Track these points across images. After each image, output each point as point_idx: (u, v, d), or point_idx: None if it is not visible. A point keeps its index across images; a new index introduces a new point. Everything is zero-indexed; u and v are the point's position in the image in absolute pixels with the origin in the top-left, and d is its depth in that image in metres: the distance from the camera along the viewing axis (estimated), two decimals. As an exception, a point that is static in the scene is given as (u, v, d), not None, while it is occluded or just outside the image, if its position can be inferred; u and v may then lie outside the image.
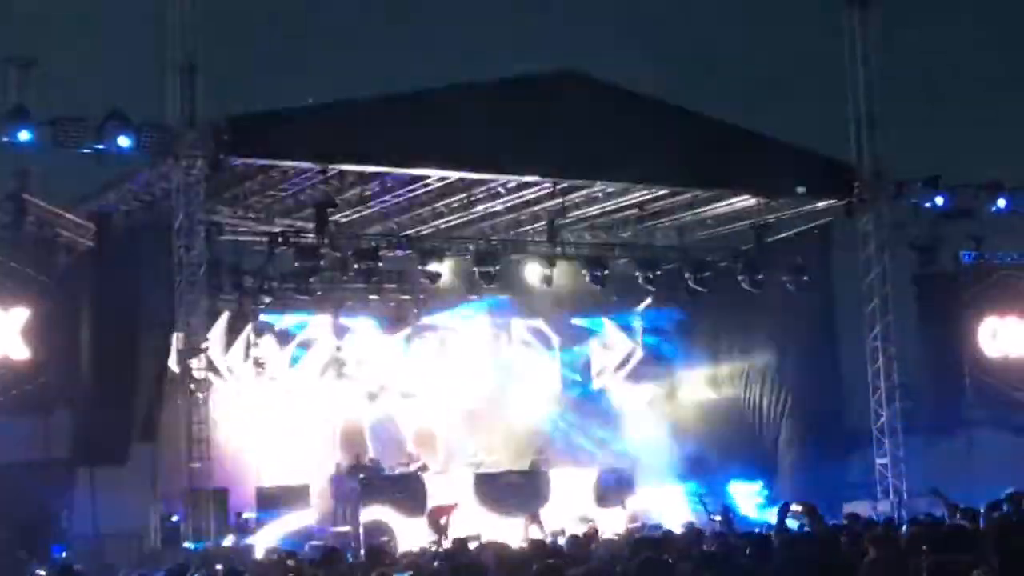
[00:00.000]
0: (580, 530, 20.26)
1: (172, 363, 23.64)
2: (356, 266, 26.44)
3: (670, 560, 9.79)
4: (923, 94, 34.61)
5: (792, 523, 15.76)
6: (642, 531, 22.06)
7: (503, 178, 26.24)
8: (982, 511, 14.35)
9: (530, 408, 30.72)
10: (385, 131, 23.60)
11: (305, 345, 29.06)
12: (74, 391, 23.30)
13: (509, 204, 27.82)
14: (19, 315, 23.15)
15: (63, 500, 23.40)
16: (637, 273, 28.53)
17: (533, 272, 28.03)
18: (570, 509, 26.27)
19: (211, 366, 24.33)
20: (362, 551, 21.19)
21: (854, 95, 27.62)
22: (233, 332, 27.69)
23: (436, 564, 13.43)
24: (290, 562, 14.98)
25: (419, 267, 26.94)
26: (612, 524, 24.65)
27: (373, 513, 25.20)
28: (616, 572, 9.80)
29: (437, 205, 27.61)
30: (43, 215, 23.63)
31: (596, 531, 19.69)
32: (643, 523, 25.36)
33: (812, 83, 32.08)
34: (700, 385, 31.33)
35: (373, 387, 29.41)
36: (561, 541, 16.89)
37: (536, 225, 28.65)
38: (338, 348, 29.27)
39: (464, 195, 27.09)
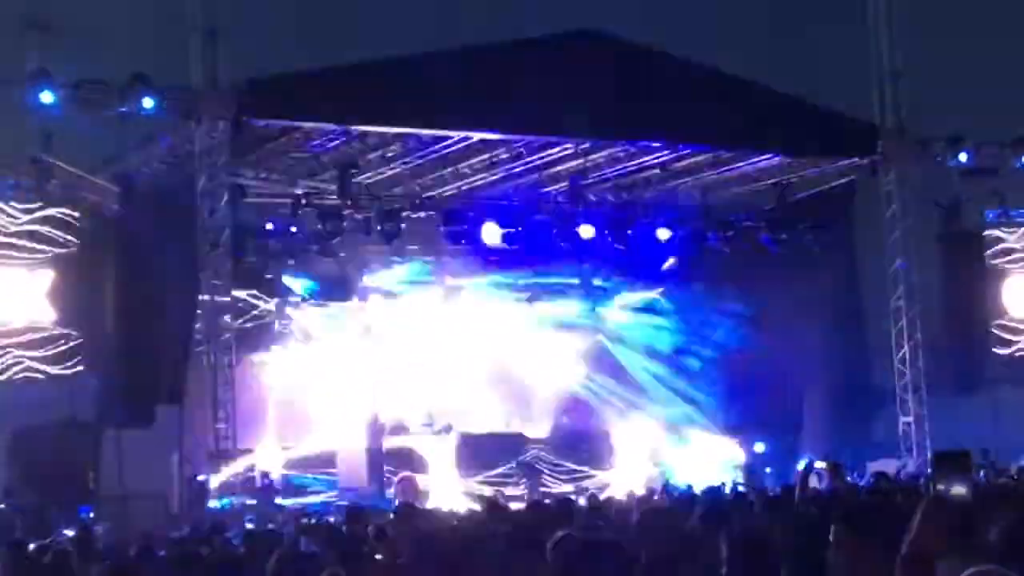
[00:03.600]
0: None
1: (197, 325, 23.72)
2: (379, 228, 26.46)
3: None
4: (947, 51, 34.35)
5: (815, 481, 15.75)
6: (660, 493, 22.09)
7: (525, 139, 26.20)
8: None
9: (556, 369, 30.74)
10: (407, 92, 23.58)
11: (331, 307, 29.13)
12: (99, 353, 23.42)
13: (531, 165, 27.78)
14: (44, 277, 23.25)
15: (89, 461, 23.55)
16: (660, 233, 28.51)
17: (556, 232, 27.99)
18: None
19: (237, 328, 24.44)
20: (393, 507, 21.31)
21: (878, 52, 27.49)
22: (258, 294, 27.80)
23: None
24: (304, 520, 15.08)
25: (442, 228, 26.96)
26: (631, 483, 24.74)
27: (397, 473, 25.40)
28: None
29: (459, 166, 27.58)
30: (67, 178, 23.69)
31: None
32: (663, 484, 25.41)
33: (836, 40, 31.85)
34: (724, 344, 31.29)
35: (399, 348, 29.45)
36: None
37: (558, 185, 28.60)
38: (363, 310, 29.34)
39: (486, 156, 27.06)
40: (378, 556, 10.36)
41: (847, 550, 5.54)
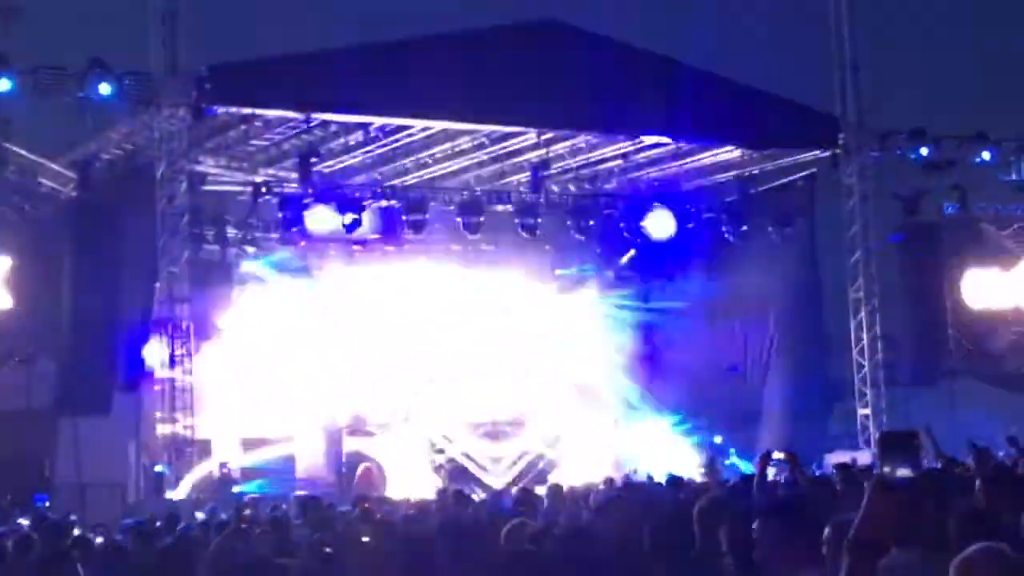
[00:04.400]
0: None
1: (155, 312, 23.57)
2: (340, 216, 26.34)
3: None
4: (909, 44, 34.53)
5: (772, 471, 15.75)
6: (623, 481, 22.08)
7: (487, 128, 26.16)
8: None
9: (518, 359, 30.70)
10: (369, 80, 23.50)
11: (290, 296, 28.98)
12: (57, 340, 23.28)
13: (493, 154, 27.74)
14: (1, 264, 23.07)
15: (46, 450, 23.40)
16: (622, 224, 28.53)
17: (518, 223, 27.97)
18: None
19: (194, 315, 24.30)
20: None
21: (839, 45, 27.58)
22: (217, 281, 27.64)
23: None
24: (247, 511, 15.01)
25: (403, 218, 26.88)
26: (597, 473, 24.72)
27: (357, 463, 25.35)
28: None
29: (421, 155, 27.50)
30: (24, 164, 23.51)
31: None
32: (627, 473, 25.41)
33: (797, 33, 31.96)
34: (684, 335, 31.31)
35: (357, 336, 29.36)
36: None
37: (520, 176, 28.57)
38: (323, 300, 29.21)
39: (448, 145, 26.99)
40: (365, 539, 10.35)
41: (772, 545, 5.56)
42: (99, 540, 12.47)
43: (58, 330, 23.31)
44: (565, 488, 16.48)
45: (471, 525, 10.07)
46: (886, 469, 5.01)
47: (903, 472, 5.00)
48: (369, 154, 27.15)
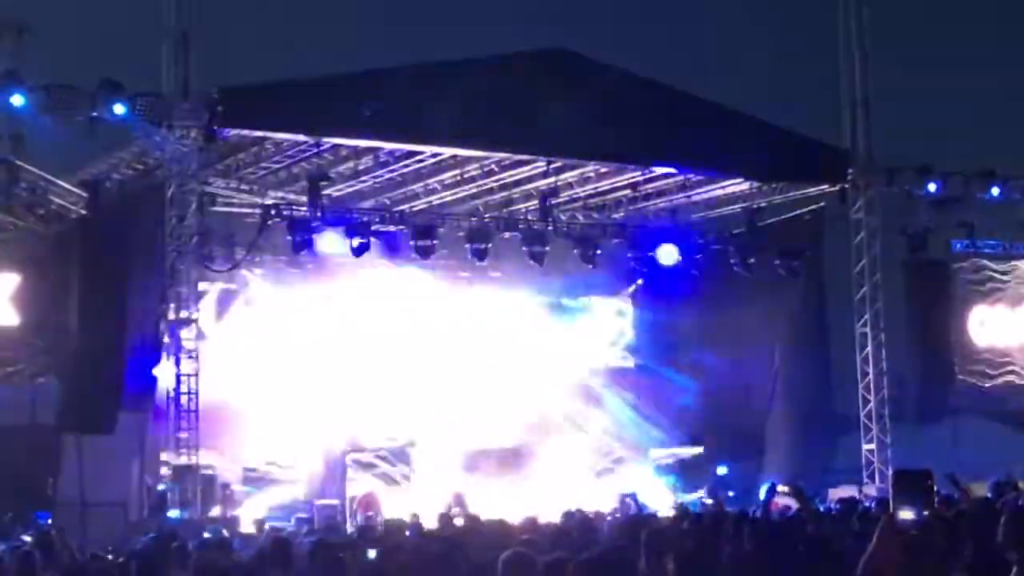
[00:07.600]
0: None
1: (162, 332, 23.58)
2: (349, 240, 26.38)
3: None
4: (919, 80, 34.60)
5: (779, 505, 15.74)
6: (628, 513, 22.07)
7: (496, 155, 26.22)
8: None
9: (522, 385, 30.69)
10: (379, 106, 23.55)
11: (295, 319, 28.99)
12: (63, 358, 23.24)
13: (502, 182, 27.79)
14: (8, 281, 23.07)
15: (49, 467, 23.38)
16: (629, 254, 28.56)
17: (525, 251, 27.98)
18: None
19: (201, 337, 24.32)
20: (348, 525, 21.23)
21: (849, 80, 27.66)
22: (225, 303, 27.70)
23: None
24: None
25: (411, 242, 26.90)
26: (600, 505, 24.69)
27: (360, 487, 25.30)
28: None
29: (430, 181, 27.57)
30: (35, 181, 23.53)
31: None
32: (630, 505, 25.36)
33: (808, 67, 32.05)
34: (690, 367, 31.31)
35: (363, 359, 29.35)
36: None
37: (529, 203, 28.62)
38: (329, 323, 29.22)
39: (457, 172, 27.06)
40: None
41: None
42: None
43: (64, 348, 23.27)
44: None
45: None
46: (897, 509, 4.98)
47: (911, 514, 4.96)
48: (378, 179, 27.22)
